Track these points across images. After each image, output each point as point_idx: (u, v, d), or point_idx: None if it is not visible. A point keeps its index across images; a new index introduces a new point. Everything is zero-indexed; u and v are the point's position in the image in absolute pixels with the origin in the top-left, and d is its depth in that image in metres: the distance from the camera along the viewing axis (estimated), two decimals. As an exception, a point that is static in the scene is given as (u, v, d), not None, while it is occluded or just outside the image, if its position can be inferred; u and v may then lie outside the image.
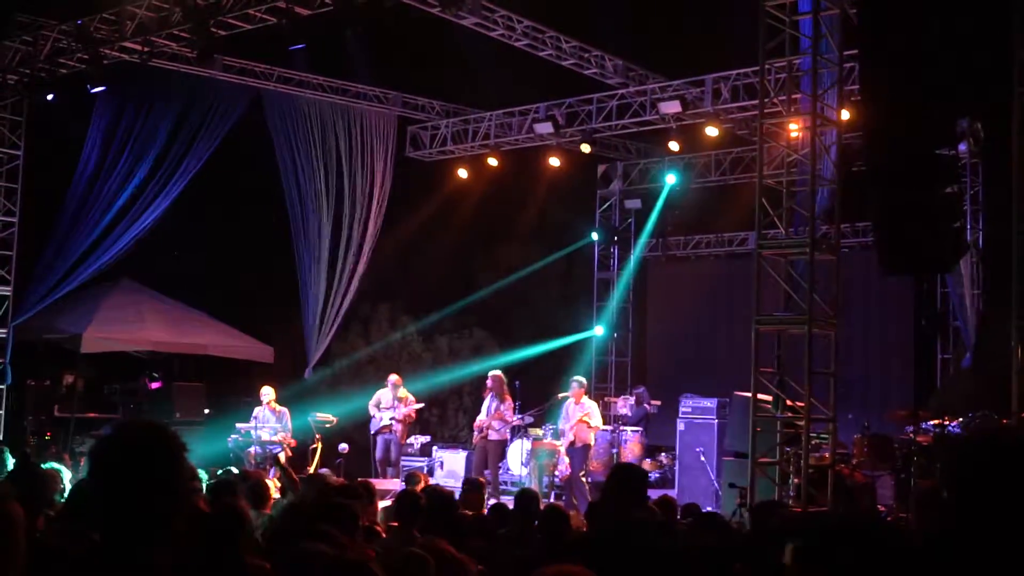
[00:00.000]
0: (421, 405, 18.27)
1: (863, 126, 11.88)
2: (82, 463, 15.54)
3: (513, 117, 20.06)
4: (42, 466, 8.89)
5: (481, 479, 12.25)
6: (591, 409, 16.00)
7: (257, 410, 16.97)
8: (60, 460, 11.59)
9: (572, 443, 15.84)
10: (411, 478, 11.46)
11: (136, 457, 2.78)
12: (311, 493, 8.43)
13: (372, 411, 17.42)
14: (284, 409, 17.04)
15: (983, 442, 2.74)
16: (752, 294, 12.17)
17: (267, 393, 17.07)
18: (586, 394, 16.41)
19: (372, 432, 17.49)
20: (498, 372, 16.84)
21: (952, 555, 2.57)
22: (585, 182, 22.96)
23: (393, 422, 17.27)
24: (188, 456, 2.92)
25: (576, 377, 16.70)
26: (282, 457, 16.46)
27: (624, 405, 18.91)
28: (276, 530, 5.65)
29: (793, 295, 12.08)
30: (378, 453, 17.37)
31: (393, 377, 17.79)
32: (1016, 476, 2.55)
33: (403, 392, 17.55)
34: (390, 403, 17.40)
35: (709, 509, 11.51)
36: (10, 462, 10.64)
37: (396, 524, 7.48)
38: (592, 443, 16.11)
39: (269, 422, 16.80)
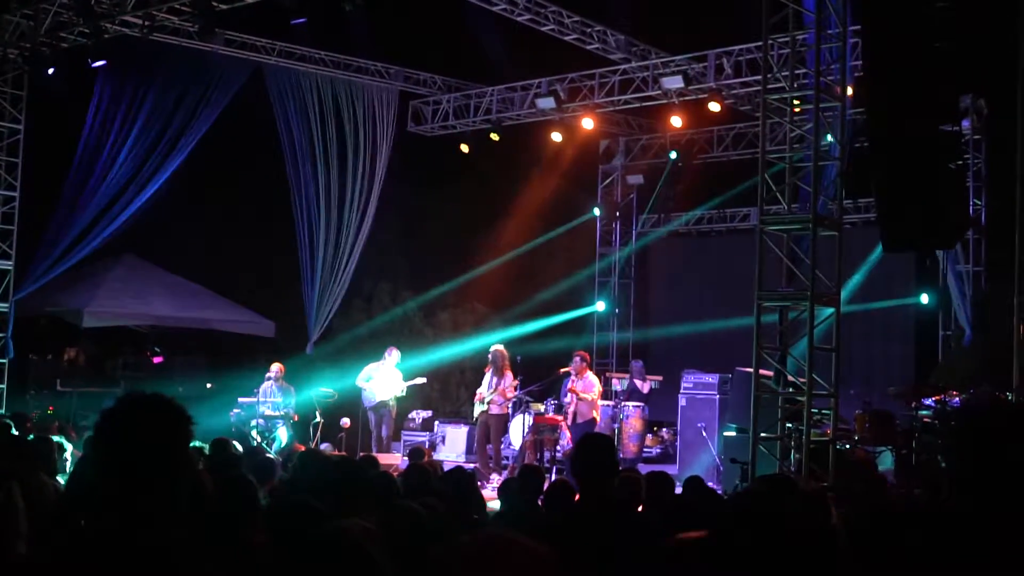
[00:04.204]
0: (423, 381, 18.28)
1: (867, 102, 11.85)
2: (85, 436, 15.58)
3: (515, 92, 20.02)
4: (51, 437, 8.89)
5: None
6: (589, 384, 15.99)
7: (264, 385, 16.98)
8: (64, 434, 11.62)
9: (575, 419, 15.86)
10: (415, 453, 11.49)
11: (141, 427, 2.79)
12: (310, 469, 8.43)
13: (362, 384, 17.39)
14: (290, 387, 17.06)
15: (975, 413, 2.76)
16: (754, 270, 12.17)
17: (275, 369, 17.08)
18: (589, 369, 16.42)
19: (368, 406, 17.46)
20: (500, 347, 16.85)
21: (952, 523, 2.59)
22: (587, 157, 22.93)
23: (391, 399, 17.29)
24: (194, 429, 2.92)
25: (578, 352, 16.72)
26: (284, 432, 16.54)
27: (618, 383, 18.93)
28: (282, 508, 5.65)
29: (795, 271, 12.09)
30: (375, 429, 17.37)
31: (394, 351, 17.79)
32: (1007, 444, 2.56)
33: (394, 370, 17.57)
34: (386, 377, 17.37)
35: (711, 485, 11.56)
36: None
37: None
38: (597, 418, 16.10)
39: (274, 397, 16.82)
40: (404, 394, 17.68)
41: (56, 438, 9.06)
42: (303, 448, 15.25)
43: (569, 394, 16.06)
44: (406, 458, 12.83)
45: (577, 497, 5.69)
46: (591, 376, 16.21)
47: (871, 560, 3.31)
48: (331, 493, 5.65)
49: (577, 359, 16.21)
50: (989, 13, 12.52)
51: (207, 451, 9.20)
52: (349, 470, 6.40)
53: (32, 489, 5.16)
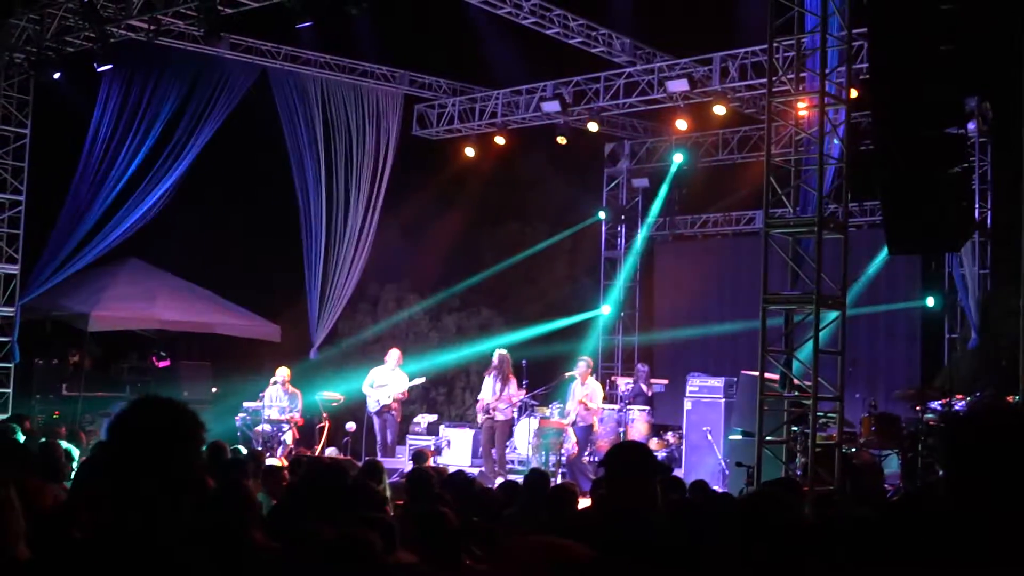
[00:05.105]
0: (422, 380, 18.28)
1: (872, 105, 11.84)
2: (92, 441, 15.59)
3: (520, 95, 20.01)
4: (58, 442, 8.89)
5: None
6: (592, 391, 16.09)
7: (269, 389, 16.97)
8: (73, 439, 11.62)
9: (575, 422, 15.98)
10: (419, 456, 11.53)
11: (157, 430, 2.80)
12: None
13: (367, 391, 17.39)
14: (297, 391, 17.04)
15: (974, 419, 2.76)
16: (759, 273, 12.14)
17: (282, 373, 17.06)
18: (592, 374, 16.46)
19: (372, 412, 17.45)
20: (504, 351, 16.86)
21: (949, 529, 2.59)
22: (592, 161, 22.94)
23: (392, 401, 17.26)
24: (206, 435, 2.94)
25: (583, 357, 16.76)
26: (290, 438, 16.56)
27: (625, 384, 18.96)
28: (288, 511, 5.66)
29: (801, 274, 12.07)
30: (379, 434, 17.38)
31: (393, 351, 17.79)
32: (1006, 452, 2.56)
33: (398, 371, 17.56)
34: (385, 380, 17.36)
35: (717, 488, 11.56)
36: (21, 439, 10.66)
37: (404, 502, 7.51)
38: (596, 424, 16.18)
39: (280, 402, 16.82)
40: (406, 396, 17.68)
41: (65, 445, 9.07)
42: (307, 453, 15.30)
43: (573, 398, 16.12)
44: (411, 462, 12.84)
45: (589, 502, 5.69)
46: (593, 381, 16.30)
47: (856, 556, 3.31)
48: (331, 498, 5.65)
49: (582, 364, 16.30)
50: (994, 15, 12.50)
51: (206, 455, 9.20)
52: (345, 476, 6.40)
53: (32, 494, 5.16)
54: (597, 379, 17.40)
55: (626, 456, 5.40)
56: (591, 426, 16.10)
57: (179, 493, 2.79)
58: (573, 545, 2.63)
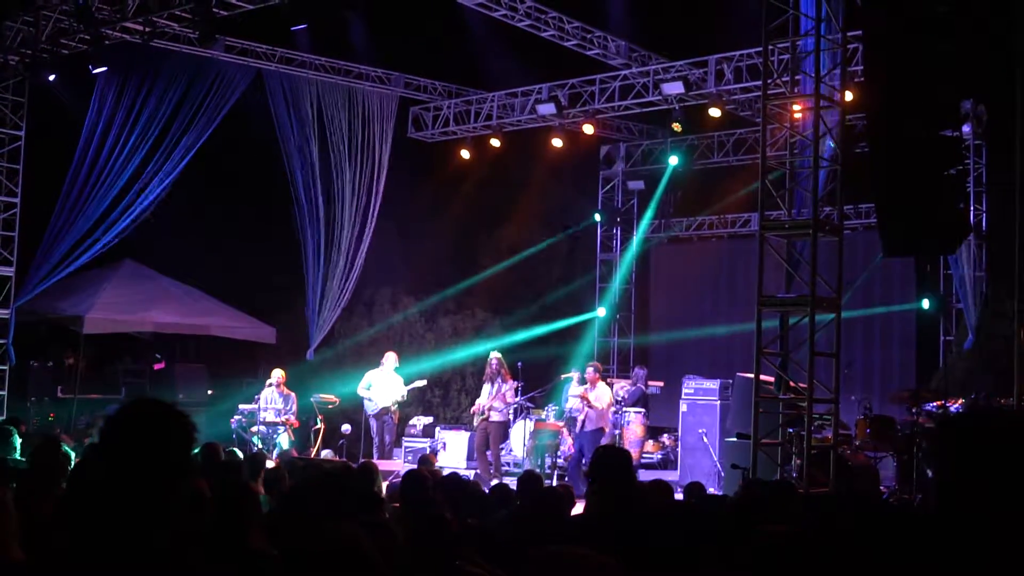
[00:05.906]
0: (423, 383, 18.26)
1: (866, 107, 11.85)
2: (86, 442, 15.56)
3: (516, 98, 20.02)
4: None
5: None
6: (601, 394, 15.91)
7: (264, 392, 16.94)
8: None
9: (583, 426, 15.81)
10: (424, 460, 11.58)
11: (147, 431, 2.80)
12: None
13: (363, 393, 17.34)
14: (292, 393, 17.01)
15: (969, 422, 2.76)
16: (755, 275, 12.15)
17: (277, 375, 17.04)
18: (601, 379, 16.32)
19: (370, 414, 17.40)
20: (498, 354, 16.81)
21: (937, 535, 2.59)
22: (588, 163, 22.94)
23: (392, 404, 17.23)
24: (197, 435, 2.94)
25: (592, 362, 16.69)
26: (285, 439, 16.54)
27: (622, 388, 18.95)
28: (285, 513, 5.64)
29: (796, 276, 12.08)
30: (377, 436, 17.34)
31: (391, 355, 17.76)
32: (997, 459, 2.56)
33: (394, 374, 17.52)
34: (384, 383, 17.32)
35: (712, 490, 11.56)
36: (18, 442, 10.63)
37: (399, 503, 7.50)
38: (606, 428, 16.00)
39: (275, 404, 16.79)
40: (406, 399, 17.66)
41: (63, 447, 9.03)
42: (302, 455, 15.27)
43: (581, 401, 16.01)
44: (416, 464, 12.82)
45: (585, 504, 5.70)
46: (603, 386, 16.18)
47: (853, 561, 3.31)
48: (326, 500, 5.65)
49: (591, 369, 16.19)
50: (990, 17, 12.52)
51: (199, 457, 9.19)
52: (343, 479, 6.40)
53: (28, 497, 5.16)
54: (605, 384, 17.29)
55: (605, 459, 5.45)
56: (601, 429, 15.85)
57: (172, 494, 2.79)
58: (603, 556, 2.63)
